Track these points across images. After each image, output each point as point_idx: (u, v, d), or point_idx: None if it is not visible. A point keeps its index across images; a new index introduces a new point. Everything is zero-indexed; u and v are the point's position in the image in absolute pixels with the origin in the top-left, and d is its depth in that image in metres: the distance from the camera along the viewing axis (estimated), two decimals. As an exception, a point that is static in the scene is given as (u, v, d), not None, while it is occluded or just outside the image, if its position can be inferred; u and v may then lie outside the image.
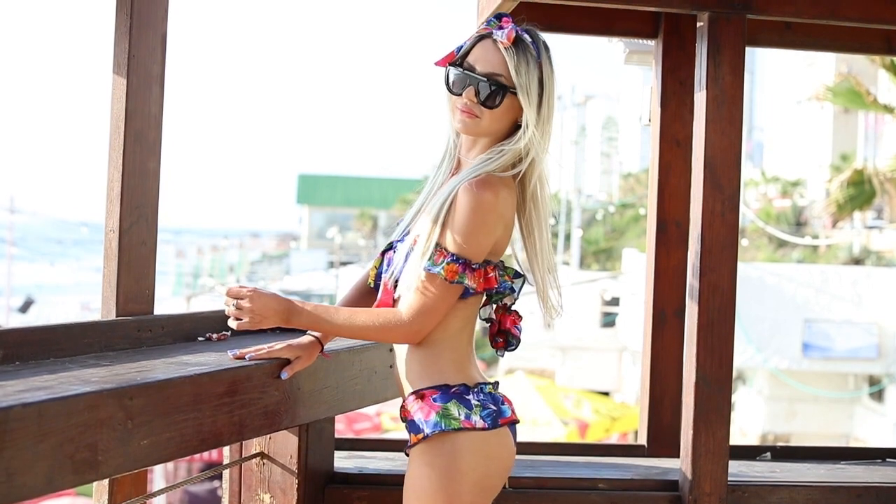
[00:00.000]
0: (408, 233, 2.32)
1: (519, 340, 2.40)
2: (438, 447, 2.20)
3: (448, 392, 2.23)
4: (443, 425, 2.20)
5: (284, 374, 2.26)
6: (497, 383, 2.34)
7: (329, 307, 2.31)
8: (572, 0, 2.97)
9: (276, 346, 2.28)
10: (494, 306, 2.36)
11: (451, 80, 2.30)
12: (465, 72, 2.28)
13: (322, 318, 2.25)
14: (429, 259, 2.21)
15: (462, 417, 2.21)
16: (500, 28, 2.27)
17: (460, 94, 2.28)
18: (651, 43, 3.58)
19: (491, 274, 2.27)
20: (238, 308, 2.21)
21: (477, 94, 2.26)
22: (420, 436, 2.21)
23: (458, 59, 2.31)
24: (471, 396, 2.24)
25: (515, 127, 2.30)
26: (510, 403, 2.31)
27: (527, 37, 2.28)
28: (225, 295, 2.23)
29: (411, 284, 2.22)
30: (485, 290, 2.28)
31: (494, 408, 2.25)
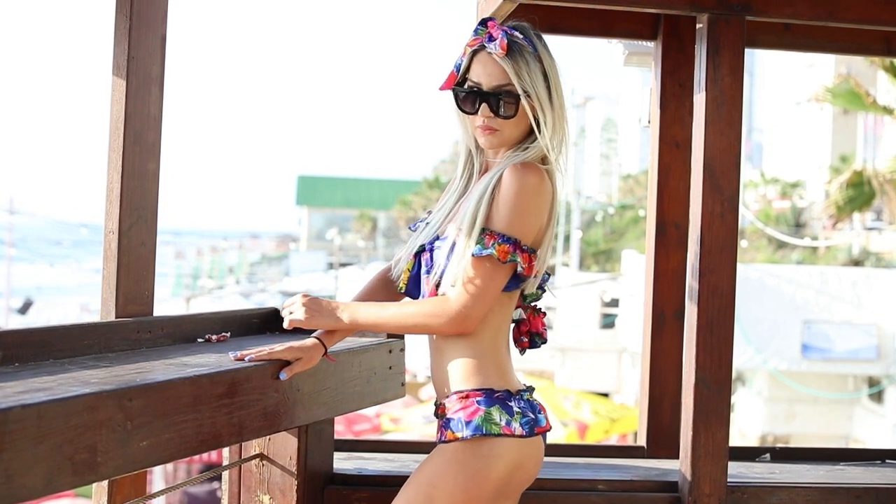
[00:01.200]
0: (437, 237, 2.33)
1: (545, 340, 2.43)
2: (475, 449, 2.21)
3: (492, 396, 2.24)
4: (483, 429, 2.20)
5: (283, 375, 2.26)
6: (532, 388, 2.36)
7: (376, 302, 2.35)
8: (572, 2, 2.97)
9: (277, 347, 2.28)
10: (523, 307, 2.38)
11: (462, 102, 2.32)
12: (474, 91, 2.30)
13: (373, 310, 2.29)
14: (477, 244, 2.21)
15: (503, 423, 2.22)
16: (491, 38, 2.28)
17: (476, 114, 2.30)
18: (650, 44, 3.57)
19: (534, 262, 2.28)
20: (291, 312, 2.30)
21: (491, 109, 2.28)
22: (458, 435, 2.22)
23: (461, 79, 2.33)
24: (513, 403, 2.25)
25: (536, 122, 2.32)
26: (545, 412, 2.32)
27: (517, 34, 2.28)
28: (282, 310, 2.35)
29: (459, 274, 2.22)
30: (527, 279, 2.28)
31: (532, 416, 2.27)
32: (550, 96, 2.29)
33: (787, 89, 31.11)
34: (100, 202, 2.62)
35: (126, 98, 2.55)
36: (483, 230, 2.23)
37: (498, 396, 2.24)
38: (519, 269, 2.24)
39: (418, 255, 2.35)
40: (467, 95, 2.30)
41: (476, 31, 2.31)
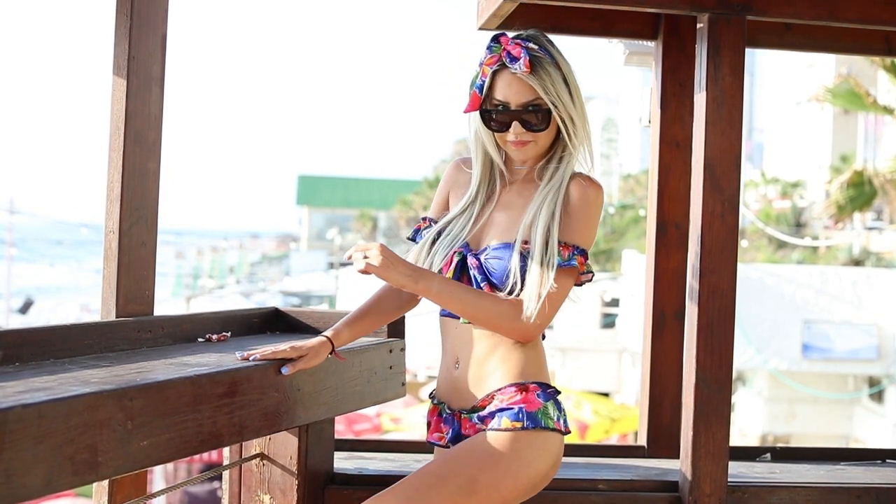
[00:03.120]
0: (467, 245, 2.34)
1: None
2: (532, 440, 2.24)
3: (547, 391, 2.30)
4: (542, 423, 2.25)
5: (285, 370, 2.26)
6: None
7: (457, 282, 2.31)
8: (572, 1, 2.97)
9: (281, 346, 2.29)
10: None
11: (492, 122, 2.34)
12: (503, 110, 2.32)
13: (448, 286, 2.28)
14: (557, 255, 2.26)
15: (555, 419, 2.28)
16: (512, 58, 2.28)
17: (507, 131, 2.32)
18: (651, 44, 3.57)
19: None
20: (366, 257, 2.22)
21: (524, 124, 2.31)
22: (517, 424, 2.24)
23: (485, 100, 2.34)
24: (560, 401, 2.33)
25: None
26: None
27: (533, 46, 2.30)
28: (354, 251, 2.24)
29: (540, 284, 2.24)
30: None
31: (565, 417, 2.35)
32: (573, 100, 2.33)
33: (787, 89, 31.10)
34: (100, 202, 2.62)
35: (126, 98, 2.56)
36: (558, 241, 2.28)
37: (550, 392, 2.31)
38: (588, 277, 2.33)
39: (459, 261, 2.34)
40: (497, 116, 2.33)
41: (490, 48, 2.32)
